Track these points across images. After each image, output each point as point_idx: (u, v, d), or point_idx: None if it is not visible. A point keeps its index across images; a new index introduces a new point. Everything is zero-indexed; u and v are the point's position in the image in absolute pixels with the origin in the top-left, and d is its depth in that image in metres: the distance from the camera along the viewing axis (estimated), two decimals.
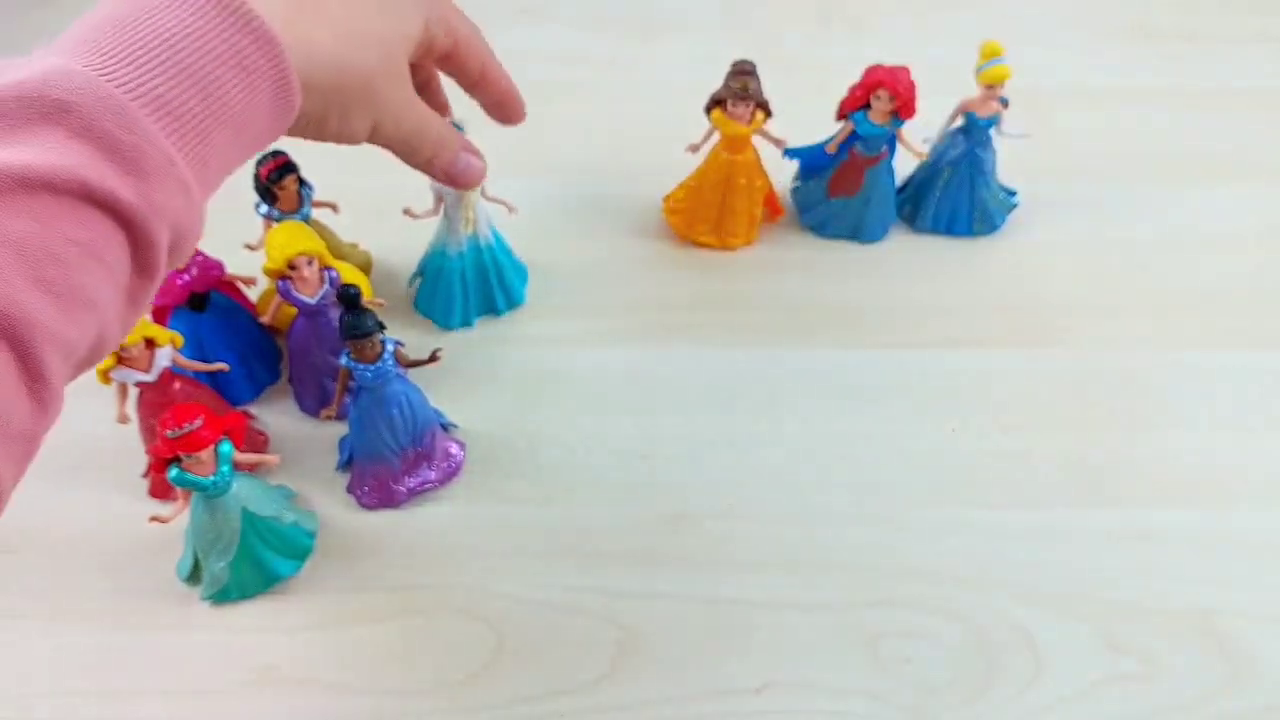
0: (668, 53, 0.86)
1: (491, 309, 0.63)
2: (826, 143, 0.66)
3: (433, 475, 0.53)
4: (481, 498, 0.54)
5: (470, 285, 0.62)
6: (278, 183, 0.56)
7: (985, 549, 0.52)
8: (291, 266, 0.51)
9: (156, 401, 0.49)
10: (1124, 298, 0.65)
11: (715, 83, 0.62)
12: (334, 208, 0.60)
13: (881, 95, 0.62)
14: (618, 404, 0.58)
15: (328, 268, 0.52)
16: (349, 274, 0.56)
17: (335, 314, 0.53)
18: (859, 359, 0.61)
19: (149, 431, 0.50)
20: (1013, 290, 0.66)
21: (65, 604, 0.48)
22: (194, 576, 0.49)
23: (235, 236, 0.57)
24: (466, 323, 0.62)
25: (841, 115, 0.65)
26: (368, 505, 0.53)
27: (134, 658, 0.47)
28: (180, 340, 0.50)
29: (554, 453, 0.56)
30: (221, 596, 0.48)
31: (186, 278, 0.54)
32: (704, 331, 0.63)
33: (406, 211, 0.59)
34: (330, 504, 0.53)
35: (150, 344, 0.48)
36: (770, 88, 0.62)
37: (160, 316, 0.54)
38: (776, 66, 0.64)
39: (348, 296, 0.46)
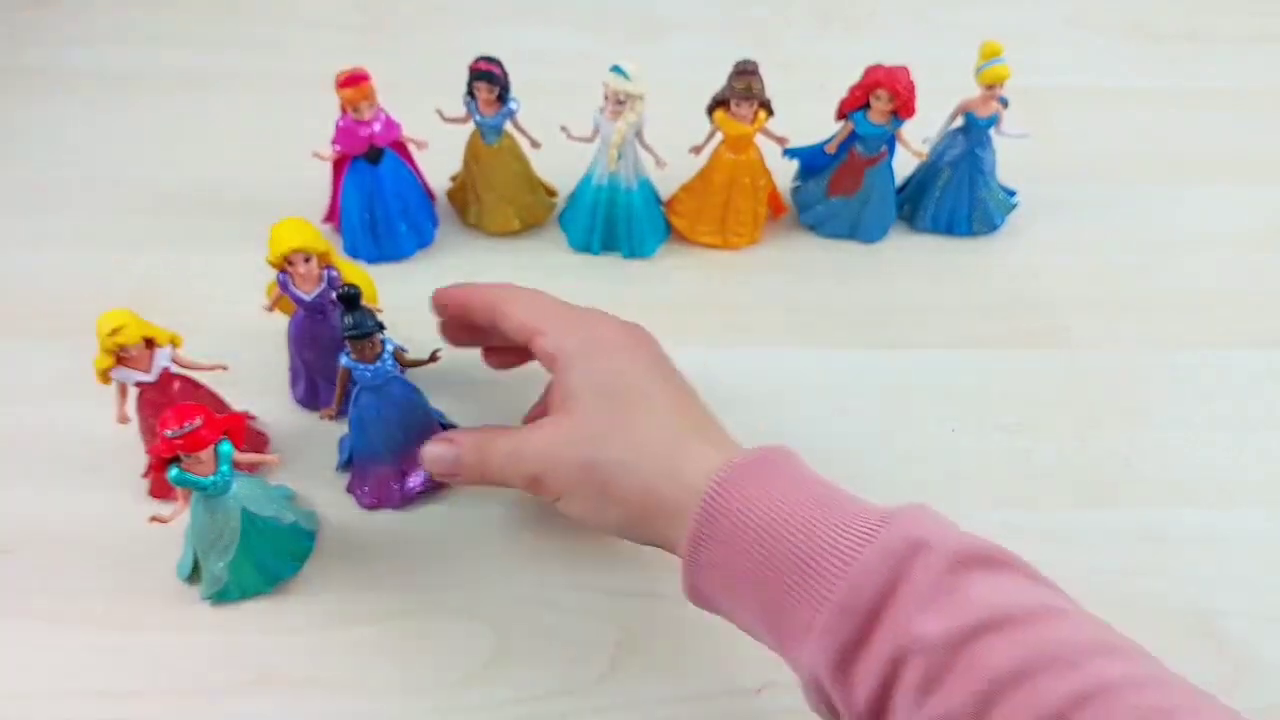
0: (668, 53, 0.86)
1: (616, 250, 0.67)
2: (826, 143, 0.66)
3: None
4: (481, 498, 0.54)
5: (599, 218, 0.66)
6: (472, 83, 0.62)
7: None
8: (289, 261, 0.51)
9: (156, 401, 0.49)
10: (1124, 298, 0.65)
11: (716, 83, 0.62)
12: (535, 143, 0.65)
13: (881, 95, 0.62)
14: None
15: (329, 266, 0.52)
16: (351, 274, 0.56)
17: (334, 313, 0.53)
18: (859, 359, 0.61)
19: (149, 431, 0.50)
20: (1012, 290, 0.66)
21: (65, 604, 0.48)
22: (194, 576, 0.49)
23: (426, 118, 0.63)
24: (588, 249, 0.67)
25: (841, 115, 0.65)
26: (368, 505, 0.53)
27: (134, 658, 0.47)
28: (180, 340, 0.50)
29: None
30: (221, 596, 0.48)
31: (370, 131, 0.61)
32: (703, 331, 0.63)
33: (563, 129, 0.63)
34: (330, 504, 0.53)
35: (150, 344, 0.48)
36: (770, 88, 0.62)
37: (340, 165, 0.63)
38: (776, 66, 0.64)
39: (347, 297, 0.46)
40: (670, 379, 0.46)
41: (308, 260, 0.51)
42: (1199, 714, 0.31)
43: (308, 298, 0.52)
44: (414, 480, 0.53)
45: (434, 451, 0.48)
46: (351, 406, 0.51)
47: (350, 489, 0.53)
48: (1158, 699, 0.31)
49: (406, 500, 0.53)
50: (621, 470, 0.42)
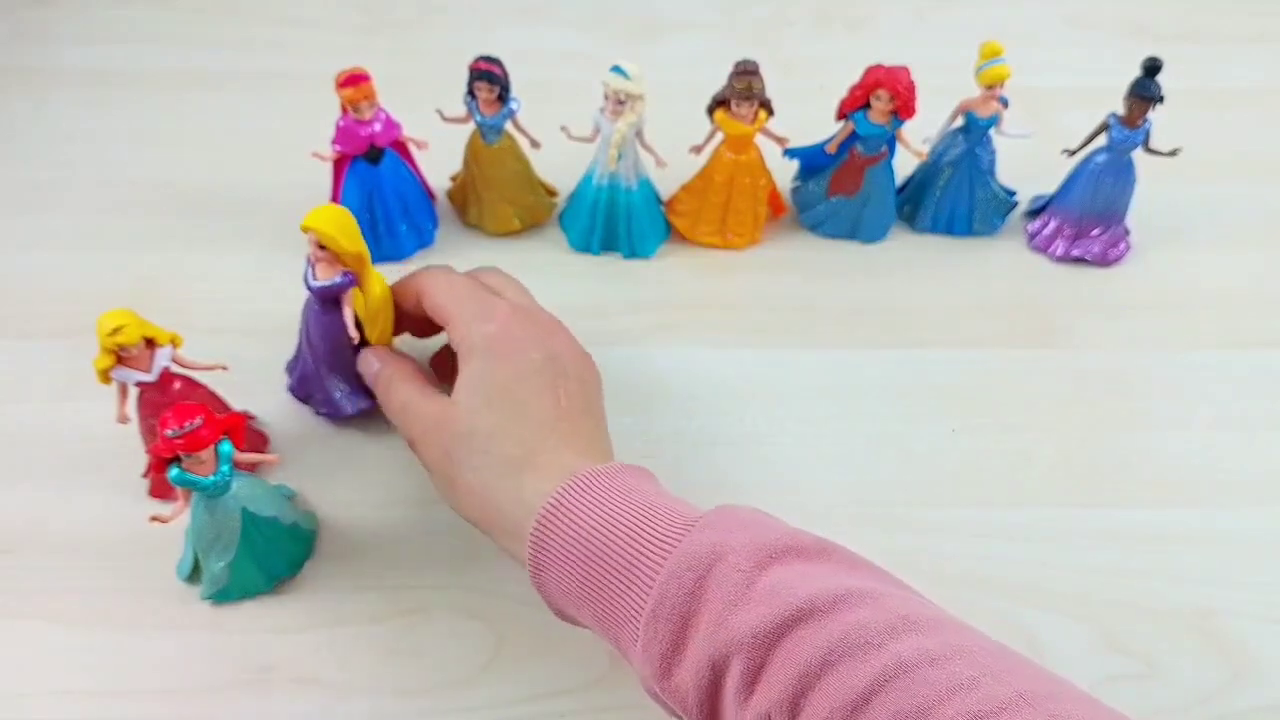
0: (668, 53, 0.86)
1: (616, 250, 0.67)
2: (826, 143, 0.66)
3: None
4: None
5: (599, 218, 0.66)
6: (473, 83, 0.62)
7: (985, 549, 0.52)
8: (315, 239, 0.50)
9: (156, 401, 0.49)
10: (1124, 298, 0.65)
11: (716, 83, 0.62)
12: (535, 143, 0.65)
13: (881, 95, 0.62)
14: (618, 404, 0.58)
15: (347, 270, 0.51)
16: (376, 284, 0.53)
17: (330, 312, 0.52)
18: (859, 359, 0.61)
19: (149, 431, 0.50)
20: (1013, 290, 0.66)
21: (65, 604, 0.48)
22: (194, 576, 0.49)
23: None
24: (588, 249, 0.67)
25: (841, 115, 0.65)
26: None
27: (134, 658, 0.47)
28: (180, 340, 0.50)
29: None
30: (221, 596, 0.48)
31: (370, 131, 0.61)
32: (703, 331, 0.63)
33: (563, 129, 0.63)
34: (330, 504, 0.53)
35: (150, 344, 0.48)
36: (770, 88, 0.62)
37: (341, 165, 0.63)
38: (776, 66, 0.64)
39: None
40: (555, 385, 0.46)
41: (321, 247, 0.50)
42: (1001, 679, 0.30)
43: (314, 282, 0.51)
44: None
45: (365, 363, 0.52)
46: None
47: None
48: (960, 669, 0.31)
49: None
50: (472, 475, 0.43)
